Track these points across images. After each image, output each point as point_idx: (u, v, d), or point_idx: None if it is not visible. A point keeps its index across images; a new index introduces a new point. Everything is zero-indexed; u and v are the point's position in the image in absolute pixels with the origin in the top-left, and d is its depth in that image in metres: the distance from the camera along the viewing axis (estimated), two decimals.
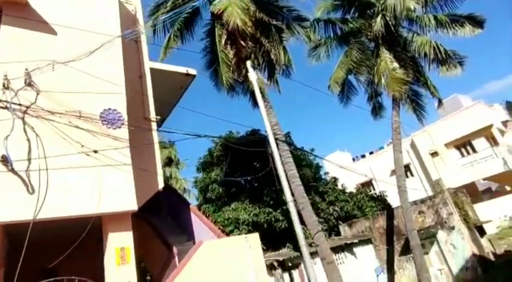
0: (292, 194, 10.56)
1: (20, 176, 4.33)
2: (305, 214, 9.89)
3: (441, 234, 11.75)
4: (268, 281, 6.05)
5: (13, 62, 4.79)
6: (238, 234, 12.56)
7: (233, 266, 5.73)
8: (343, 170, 19.89)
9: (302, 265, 11.72)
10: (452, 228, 11.52)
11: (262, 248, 12.32)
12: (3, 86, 4.65)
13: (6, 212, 4.12)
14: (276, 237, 13.13)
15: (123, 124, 5.45)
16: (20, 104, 4.65)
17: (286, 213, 14.03)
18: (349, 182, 20.48)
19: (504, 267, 10.21)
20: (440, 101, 13.88)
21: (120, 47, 5.89)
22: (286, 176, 10.42)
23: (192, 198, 21.85)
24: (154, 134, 6.97)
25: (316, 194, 16.19)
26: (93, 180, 4.82)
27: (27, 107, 4.74)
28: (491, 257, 11.65)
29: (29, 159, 4.46)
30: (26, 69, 4.84)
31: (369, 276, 12.68)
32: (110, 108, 5.15)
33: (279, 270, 10.74)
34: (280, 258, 10.90)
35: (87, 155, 4.93)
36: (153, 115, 6.63)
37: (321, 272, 10.88)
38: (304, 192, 10.13)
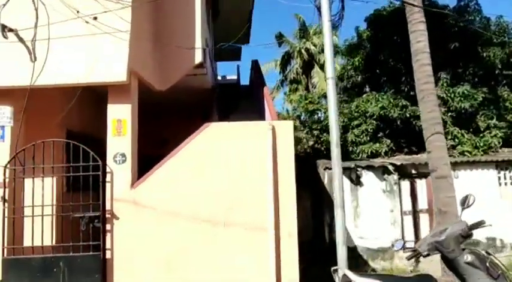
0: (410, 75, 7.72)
1: (26, 45, 4.67)
2: (423, 106, 7.14)
3: None
4: (293, 179, 4.88)
5: None
6: (365, 129, 10.83)
7: (244, 157, 4.86)
8: None
9: None
10: None
11: (391, 149, 10.55)
12: None
13: (10, 77, 4.62)
14: (414, 137, 10.53)
15: None
16: None
17: None
18: None
19: None
20: None
21: None
22: (409, 49, 7.49)
23: None
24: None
25: (506, 87, 11.56)
26: (89, 49, 4.73)
27: None
28: None
29: (35, 29, 4.69)
30: None
31: None
32: None
33: (395, 176, 8.84)
34: (398, 163, 8.84)
35: (87, 22, 4.77)
36: None
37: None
38: (431, 76, 7.13)
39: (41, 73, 4.59)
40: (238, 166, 4.84)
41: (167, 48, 5.68)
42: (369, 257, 8.35)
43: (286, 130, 4.96)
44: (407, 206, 8.78)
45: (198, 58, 5.93)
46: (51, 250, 4.51)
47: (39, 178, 4.53)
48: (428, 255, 3.39)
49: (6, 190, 4.45)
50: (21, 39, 4.66)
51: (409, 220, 8.72)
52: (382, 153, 10.37)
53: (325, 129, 11.91)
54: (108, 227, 4.60)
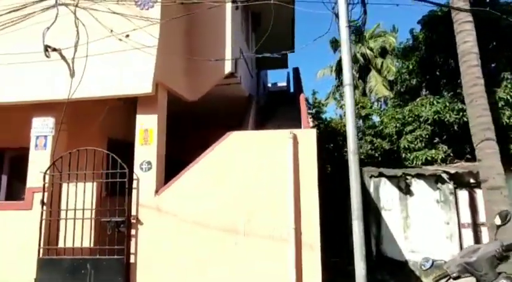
0: (456, 79, 6.97)
1: (67, 62, 5.14)
2: (471, 111, 6.43)
3: None
4: (316, 190, 4.62)
5: None
6: (419, 134, 9.98)
7: (265, 166, 4.72)
8: None
9: None
10: None
11: (449, 155, 9.54)
12: None
13: (52, 91, 5.09)
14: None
15: (155, 2, 5.14)
16: None
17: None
18: None
19: None
20: None
21: None
22: (456, 51, 6.82)
23: None
24: (228, 12, 6.18)
25: None
26: (120, 64, 5.04)
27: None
28: None
29: (75, 47, 5.14)
30: None
31: None
32: None
33: (450, 185, 7.94)
34: (452, 171, 7.93)
35: (120, 40, 5.09)
36: None
37: None
38: (480, 78, 6.40)
39: (78, 87, 4.99)
40: (259, 175, 4.73)
41: (196, 60, 5.82)
42: (422, 273, 7.54)
43: (308, 138, 4.73)
44: (466, 218, 7.82)
45: (228, 68, 6.01)
46: (81, 252, 4.79)
47: (76, 183, 4.89)
48: (458, 277, 2.97)
49: (45, 194, 4.87)
50: (63, 57, 5.13)
51: (468, 234, 7.75)
52: (439, 160, 9.45)
53: (380, 134, 11.25)
54: (132, 232, 4.79)
